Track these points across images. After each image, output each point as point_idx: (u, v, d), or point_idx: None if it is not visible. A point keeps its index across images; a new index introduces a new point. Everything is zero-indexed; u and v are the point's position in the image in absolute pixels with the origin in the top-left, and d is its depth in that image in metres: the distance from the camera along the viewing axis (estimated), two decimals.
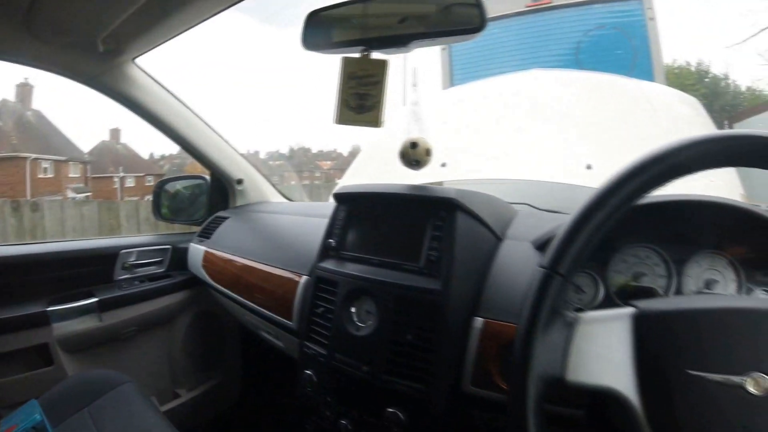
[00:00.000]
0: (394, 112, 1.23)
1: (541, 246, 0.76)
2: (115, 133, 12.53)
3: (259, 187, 1.65)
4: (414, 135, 0.87)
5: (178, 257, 1.56)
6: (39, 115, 10.87)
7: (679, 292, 0.70)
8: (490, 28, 0.77)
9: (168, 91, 1.38)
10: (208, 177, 1.65)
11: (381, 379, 0.79)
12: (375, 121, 0.85)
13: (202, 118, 1.47)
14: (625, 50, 3.41)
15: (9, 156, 9.71)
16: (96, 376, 1.12)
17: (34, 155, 9.98)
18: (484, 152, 1.51)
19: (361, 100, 0.86)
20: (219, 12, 0.98)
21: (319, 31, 0.86)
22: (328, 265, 0.93)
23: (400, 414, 0.76)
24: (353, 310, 0.86)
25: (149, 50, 1.19)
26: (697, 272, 0.70)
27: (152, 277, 1.51)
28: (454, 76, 3.90)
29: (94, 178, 11.28)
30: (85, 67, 1.20)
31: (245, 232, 1.41)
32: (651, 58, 3.40)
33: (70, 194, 9.52)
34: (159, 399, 1.48)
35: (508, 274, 0.77)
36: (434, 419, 0.75)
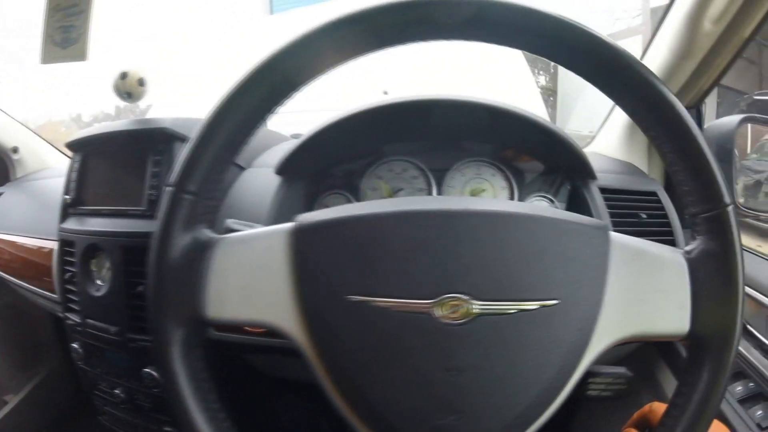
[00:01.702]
0: None
1: (281, 170, 0.67)
2: None
3: (38, 153, 1.42)
4: (127, 66, 0.76)
5: None
6: None
7: None
8: None
9: None
10: None
11: (129, 339, 0.72)
12: (81, 54, 0.77)
13: None
14: None
15: None
16: None
17: None
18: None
19: (66, 33, 0.76)
20: None
21: None
22: (68, 224, 0.83)
23: (154, 373, 0.71)
24: (93, 269, 0.78)
25: None
26: (461, 181, 0.67)
27: None
28: (274, 4, 3.64)
29: None
30: None
31: (21, 206, 1.22)
32: None
33: None
34: None
35: (242, 206, 0.70)
36: None
